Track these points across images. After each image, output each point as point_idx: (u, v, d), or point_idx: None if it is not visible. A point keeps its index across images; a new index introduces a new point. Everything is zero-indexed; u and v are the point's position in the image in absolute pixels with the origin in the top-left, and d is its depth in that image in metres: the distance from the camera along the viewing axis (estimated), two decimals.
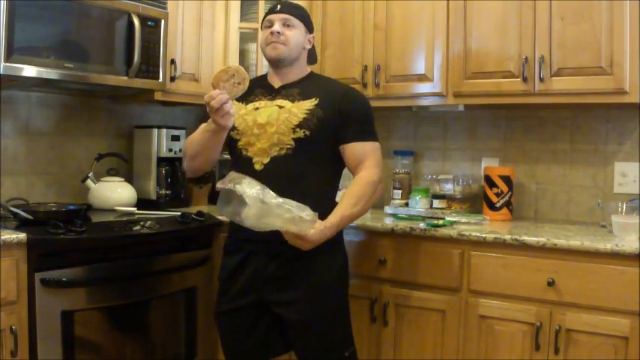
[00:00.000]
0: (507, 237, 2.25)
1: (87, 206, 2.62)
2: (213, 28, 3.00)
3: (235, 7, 2.99)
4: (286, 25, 2.10)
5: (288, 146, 2.02)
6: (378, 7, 2.86)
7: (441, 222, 2.53)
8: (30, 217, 2.29)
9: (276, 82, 2.15)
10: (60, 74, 2.36)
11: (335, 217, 1.95)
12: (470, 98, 2.69)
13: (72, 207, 2.53)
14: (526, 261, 2.22)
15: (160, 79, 2.71)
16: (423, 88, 2.77)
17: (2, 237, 1.98)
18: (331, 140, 2.07)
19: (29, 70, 2.26)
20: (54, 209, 2.53)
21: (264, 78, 2.22)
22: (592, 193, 2.75)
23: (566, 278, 2.15)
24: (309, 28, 2.18)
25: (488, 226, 2.52)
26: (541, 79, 2.46)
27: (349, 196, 2.00)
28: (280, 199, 1.82)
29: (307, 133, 2.01)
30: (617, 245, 2.06)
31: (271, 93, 2.13)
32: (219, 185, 1.87)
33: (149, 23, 2.63)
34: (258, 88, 2.15)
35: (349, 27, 2.94)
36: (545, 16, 2.46)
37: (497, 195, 2.75)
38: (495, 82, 2.58)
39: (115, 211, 2.73)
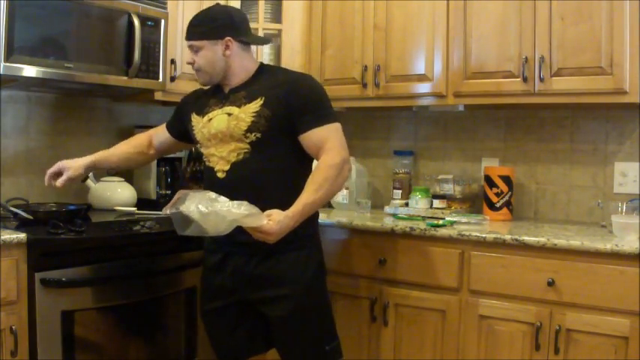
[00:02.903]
0: (507, 237, 2.25)
1: (87, 206, 2.62)
2: None
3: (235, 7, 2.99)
4: (193, 51, 2.07)
5: (245, 150, 2.02)
6: (378, 7, 2.86)
7: (441, 222, 2.53)
8: (30, 217, 2.29)
9: (226, 88, 2.14)
10: (60, 74, 2.36)
11: (297, 206, 1.92)
12: (470, 98, 2.69)
13: (72, 207, 2.53)
14: (526, 261, 2.22)
15: (160, 79, 2.71)
16: (423, 88, 2.76)
17: (2, 237, 1.98)
18: (287, 135, 2.03)
19: (29, 70, 2.26)
20: (54, 209, 2.53)
21: (219, 85, 2.16)
22: (592, 193, 2.75)
23: (566, 278, 2.15)
24: (217, 35, 2.04)
25: (488, 226, 2.52)
26: (541, 79, 2.46)
27: (311, 182, 1.97)
28: (219, 204, 1.81)
29: (258, 135, 2.00)
30: (617, 245, 2.06)
31: (222, 100, 2.11)
32: (164, 211, 1.89)
33: (149, 23, 2.63)
34: (212, 99, 2.14)
35: (349, 27, 2.94)
36: (545, 16, 2.46)
37: (497, 195, 2.75)
38: (495, 82, 2.58)
39: (115, 211, 2.73)
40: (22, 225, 2.24)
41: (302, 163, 2.09)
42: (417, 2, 2.76)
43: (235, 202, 1.82)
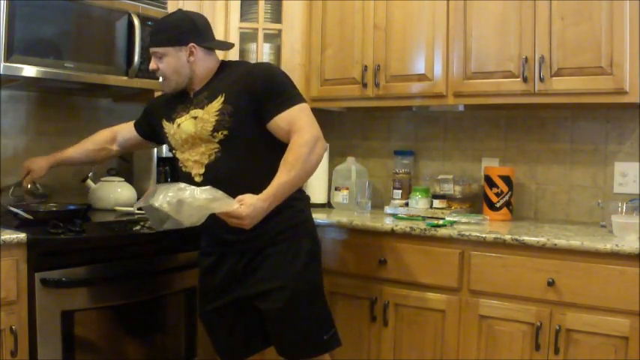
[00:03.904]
0: (507, 237, 2.25)
1: (87, 206, 2.62)
2: (214, 28, 2.98)
3: (235, 7, 2.99)
4: (157, 58, 2.07)
5: (216, 150, 2.02)
6: (378, 7, 2.86)
7: (441, 222, 2.53)
8: (30, 217, 2.29)
9: (191, 92, 2.14)
10: (60, 74, 2.36)
11: (270, 188, 1.90)
12: (470, 98, 2.69)
13: (72, 207, 2.53)
14: (526, 261, 2.22)
15: (160, 79, 2.70)
16: (423, 88, 2.76)
17: (2, 237, 1.97)
18: (255, 127, 2.02)
19: (29, 70, 2.26)
20: (54, 209, 2.53)
21: (184, 89, 2.15)
22: (592, 193, 2.75)
23: (566, 278, 2.15)
24: (181, 41, 2.04)
25: (488, 226, 2.52)
26: (541, 79, 2.46)
27: (283, 163, 1.94)
28: (186, 192, 1.80)
29: (225, 132, 2.00)
30: (617, 245, 2.07)
31: (187, 104, 2.11)
32: (135, 206, 1.89)
33: (149, 23, 2.63)
34: (179, 104, 2.14)
35: (349, 27, 2.94)
36: (545, 16, 2.46)
37: (497, 195, 2.75)
38: (495, 82, 2.58)
39: (115, 211, 2.73)
40: (22, 225, 2.24)
41: (276, 151, 2.02)
42: (417, 2, 2.76)
43: (200, 188, 1.81)
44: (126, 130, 2.44)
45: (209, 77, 2.11)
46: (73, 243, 2.15)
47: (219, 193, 1.82)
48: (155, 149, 2.95)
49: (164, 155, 2.99)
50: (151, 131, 2.32)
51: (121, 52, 2.55)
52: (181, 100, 2.15)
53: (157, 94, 2.77)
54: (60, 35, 2.38)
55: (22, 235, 2.03)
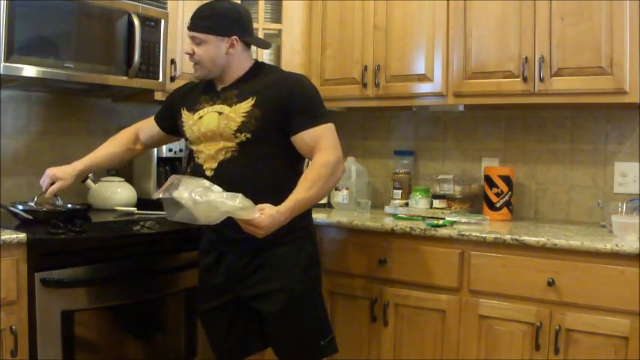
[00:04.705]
0: (507, 237, 2.25)
1: (87, 206, 2.62)
2: None
3: None
4: (196, 43, 2.04)
5: (233, 149, 2.02)
6: (378, 7, 2.86)
7: (441, 222, 2.53)
8: (30, 217, 2.29)
9: (218, 85, 2.12)
10: (60, 74, 2.36)
11: (288, 202, 1.91)
12: (470, 98, 2.69)
13: (72, 207, 2.53)
14: (526, 261, 2.22)
15: (160, 79, 2.71)
16: (423, 88, 2.77)
17: (2, 237, 1.97)
18: (277, 135, 2.02)
19: (29, 70, 2.26)
20: (54, 209, 2.53)
21: (211, 81, 2.14)
22: (592, 193, 2.75)
23: (566, 278, 2.15)
24: (225, 31, 2.02)
25: (488, 226, 2.52)
26: (541, 79, 2.46)
27: (304, 180, 1.96)
28: (213, 195, 1.80)
29: (248, 135, 1.99)
30: (617, 245, 2.07)
31: (213, 98, 2.09)
32: (156, 195, 1.88)
33: (149, 23, 2.63)
34: (203, 95, 2.13)
35: (349, 27, 2.94)
36: (545, 16, 2.46)
37: (497, 195, 2.75)
38: (495, 82, 2.58)
39: (115, 211, 2.73)
40: (22, 225, 2.24)
41: (290, 163, 2.06)
42: (417, 2, 2.76)
43: (230, 193, 1.81)
44: (148, 127, 2.38)
45: (241, 74, 2.09)
46: (73, 243, 2.15)
47: (249, 203, 1.82)
48: (155, 149, 2.96)
49: (164, 155, 3.00)
50: (173, 124, 2.26)
51: (121, 52, 2.55)
52: (206, 92, 2.13)
53: (157, 94, 2.77)
54: (60, 35, 2.38)
55: (22, 235, 2.03)
